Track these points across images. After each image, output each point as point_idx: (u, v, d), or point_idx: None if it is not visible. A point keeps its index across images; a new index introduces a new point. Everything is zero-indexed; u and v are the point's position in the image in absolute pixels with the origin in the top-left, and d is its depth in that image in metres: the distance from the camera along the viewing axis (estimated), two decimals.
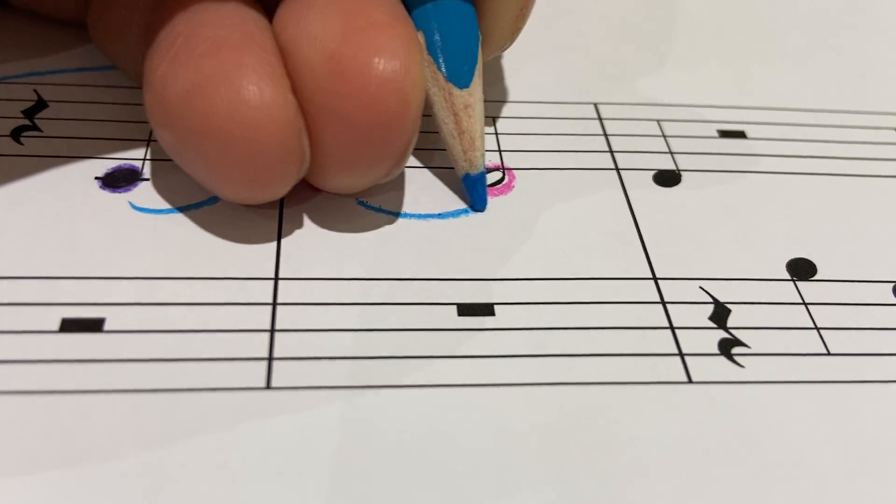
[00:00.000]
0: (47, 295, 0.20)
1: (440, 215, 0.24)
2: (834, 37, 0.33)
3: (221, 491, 0.18)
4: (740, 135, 0.28)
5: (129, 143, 0.25)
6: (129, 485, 0.17)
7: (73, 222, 0.22)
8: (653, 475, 0.19)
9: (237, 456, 0.18)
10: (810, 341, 0.22)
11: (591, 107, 0.28)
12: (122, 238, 0.22)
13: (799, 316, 0.22)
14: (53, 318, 0.20)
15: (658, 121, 0.28)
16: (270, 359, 0.20)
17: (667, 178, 0.26)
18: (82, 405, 0.19)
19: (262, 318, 0.21)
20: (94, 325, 0.20)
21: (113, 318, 0.20)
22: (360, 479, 0.18)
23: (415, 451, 0.19)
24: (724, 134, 0.28)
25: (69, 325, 0.20)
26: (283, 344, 0.20)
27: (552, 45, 0.31)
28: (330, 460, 0.18)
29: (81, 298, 0.20)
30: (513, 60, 0.30)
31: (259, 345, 0.20)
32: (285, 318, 0.21)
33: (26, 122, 0.25)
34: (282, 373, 0.20)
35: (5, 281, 0.21)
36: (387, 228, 0.23)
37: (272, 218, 0.23)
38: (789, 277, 0.23)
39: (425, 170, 0.25)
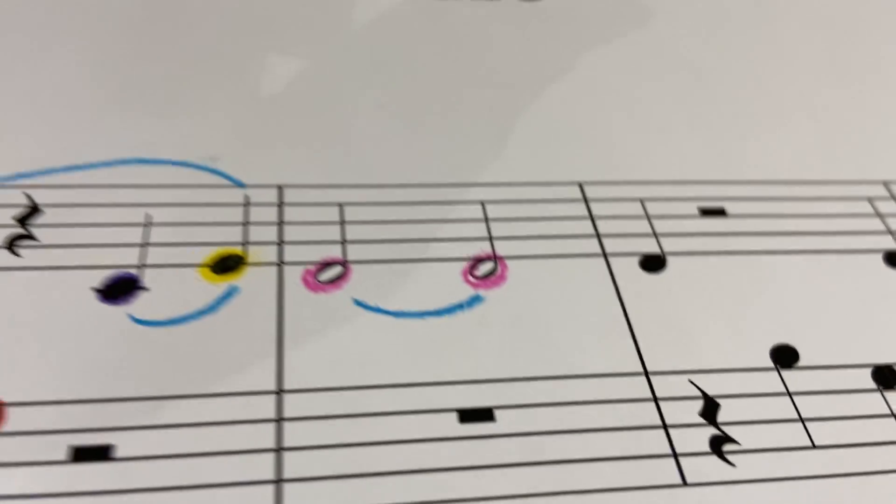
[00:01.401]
0: (58, 420, 0.21)
1: (437, 312, 0.25)
2: (811, 103, 0.34)
3: None
4: (720, 213, 0.29)
5: (125, 248, 0.25)
6: None
7: (75, 341, 0.22)
8: None
9: None
10: (796, 434, 0.23)
11: (576, 187, 0.29)
12: (125, 355, 0.22)
13: (784, 407, 0.23)
14: (62, 445, 0.20)
15: (641, 200, 0.29)
16: (279, 481, 0.20)
17: (652, 263, 0.27)
18: None
19: (266, 436, 0.21)
20: (102, 453, 0.20)
21: (122, 444, 0.20)
22: None
23: None
24: (705, 213, 0.29)
25: (80, 454, 0.20)
26: (292, 463, 0.21)
27: (535, 125, 0.31)
28: None
29: (90, 423, 0.21)
30: (497, 142, 0.30)
31: (265, 467, 0.20)
32: (292, 434, 0.21)
33: (21, 230, 0.25)
34: (293, 495, 0.20)
35: (17, 408, 0.21)
36: (385, 329, 0.24)
37: (272, 324, 0.24)
38: (773, 366, 0.24)
39: (421, 263, 0.26)
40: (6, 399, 0.21)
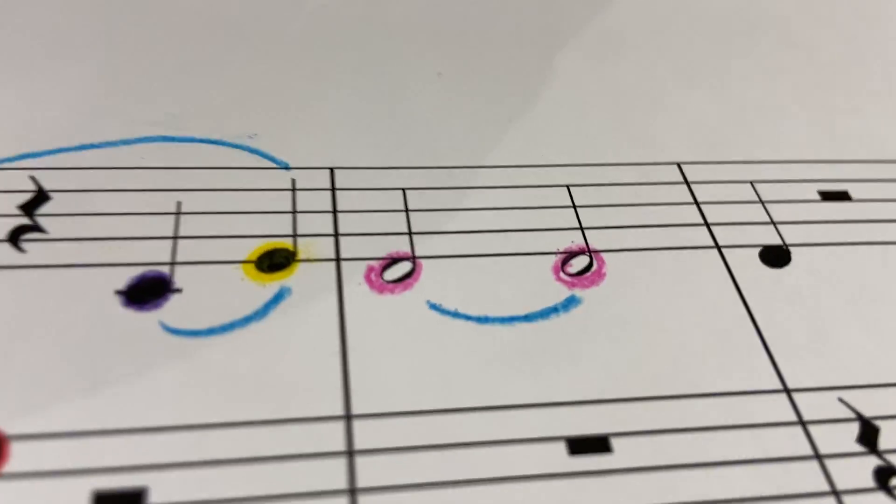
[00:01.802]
0: (76, 458, 0.16)
1: (527, 317, 0.21)
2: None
3: None
4: (844, 196, 0.25)
5: (154, 242, 0.21)
6: None
7: (96, 358, 0.18)
8: None
9: None
10: None
11: (675, 168, 0.25)
12: (157, 373, 0.18)
13: None
14: (83, 490, 0.16)
15: (751, 182, 0.25)
16: None
17: (774, 257, 0.23)
18: None
19: (336, 473, 0.17)
20: (133, 500, 0.16)
21: (156, 486, 0.16)
22: None
23: None
24: (826, 196, 0.25)
25: (104, 501, 0.16)
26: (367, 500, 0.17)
27: (622, 98, 0.27)
28: None
29: (116, 462, 0.17)
30: (578, 117, 0.26)
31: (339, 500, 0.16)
32: (365, 471, 0.17)
33: (26, 220, 0.21)
34: None
35: (23, 442, 0.17)
36: (468, 338, 0.20)
37: (332, 332, 0.19)
38: None
39: (505, 257, 0.22)
40: (8, 431, 0.17)
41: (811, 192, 0.25)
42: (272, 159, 0.23)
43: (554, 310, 0.21)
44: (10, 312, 0.19)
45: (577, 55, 0.28)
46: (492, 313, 0.20)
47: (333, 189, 0.23)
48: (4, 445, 0.17)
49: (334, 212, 0.22)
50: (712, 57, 0.29)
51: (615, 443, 0.18)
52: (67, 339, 0.18)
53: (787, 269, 0.23)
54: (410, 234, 0.22)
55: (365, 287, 0.21)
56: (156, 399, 0.18)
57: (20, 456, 0.16)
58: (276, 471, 0.17)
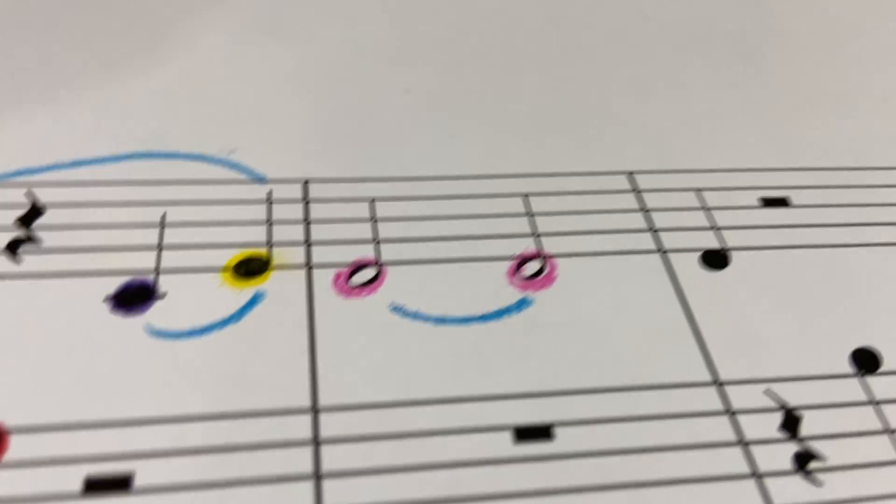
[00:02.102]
0: (69, 448, 0.18)
1: (482, 318, 0.22)
2: (871, 85, 0.32)
3: None
4: (783, 202, 0.27)
5: (139, 252, 0.22)
6: None
7: (87, 358, 0.20)
8: None
9: None
10: (884, 447, 0.21)
11: (625, 177, 0.27)
12: (144, 372, 0.20)
13: (869, 417, 0.21)
14: (76, 476, 0.18)
15: (697, 190, 0.27)
16: None
17: (714, 260, 0.25)
18: None
19: (303, 460, 0.19)
20: (122, 483, 0.18)
21: (142, 473, 0.18)
22: None
23: None
24: (767, 202, 0.27)
25: (94, 485, 0.18)
26: (332, 490, 0.18)
27: (578, 110, 0.29)
28: None
29: (105, 450, 0.18)
30: (538, 128, 0.28)
31: (304, 495, 0.18)
32: (329, 457, 0.19)
33: (22, 232, 0.22)
34: None
35: (21, 434, 0.18)
36: (427, 337, 0.22)
37: (302, 333, 0.21)
38: (855, 372, 0.22)
39: (463, 264, 0.24)
40: (8, 423, 0.19)
41: (753, 198, 0.27)
42: (250, 172, 0.25)
43: (507, 311, 0.23)
44: (9, 317, 0.21)
45: (535, 69, 0.30)
46: (450, 314, 0.22)
47: (306, 200, 0.25)
48: (4, 437, 0.18)
49: (306, 222, 0.24)
50: (664, 68, 0.31)
51: (558, 431, 0.20)
52: (61, 341, 0.20)
53: (725, 271, 0.24)
54: (376, 241, 0.24)
55: (333, 292, 0.22)
56: (141, 394, 0.20)
57: (18, 446, 0.18)
58: (249, 458, 0.19)
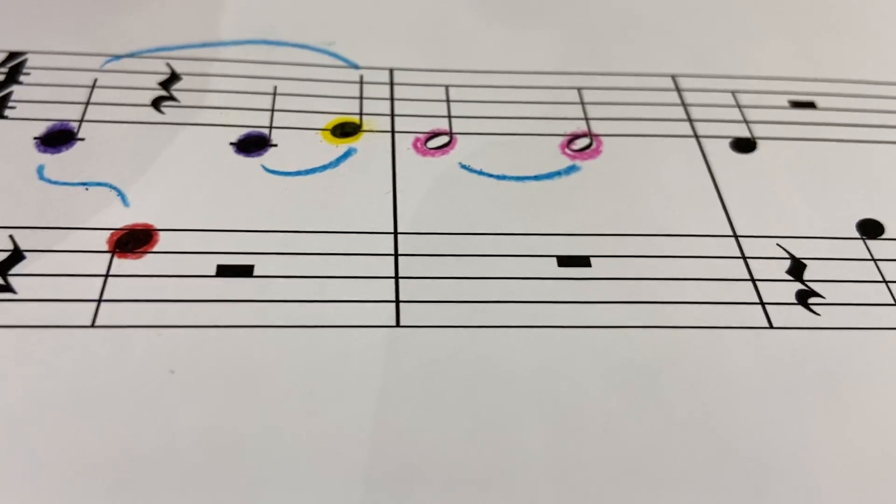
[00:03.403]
0: (204, 245, 0.23)
1: (536, 177, 0.27)
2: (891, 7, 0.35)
3: (363, 410, 0.20)
4: (810, 105, 0.30)
5: (257, 112, 0.27)
6: (284, 406, 0.20)
7: (217, 183, 0.25)
8: (740, 410, 0.21)
9: (373, 384, 0.21)
10: (879, 293, 0.24)
11: (669, 79, 0.30)
12: (260, 196, 0.25)
13: (869, 270, 0.24)
14: (210, 264, 0.23)
15: (733, 92, 0.30)
16: (397, 301, 0.23)
17: (743, 145, 0.28)
18: (239, 338, 0.21)
19: (386, 266, 0.23)
20: (246, 271, 0.23)
21: (260, 265, 0.23)
22: (479, 400, 0.21)
23: (526, 383, 0.21)
24: (796, 104, 0.30)
25: (224, 271, 0.23)
26: (408, 288, 0.23)
27: (629, 20, 0.33)
28: (454, 390, 0.21)
29: (233, 248, 0.23)
30: (593, 35, 0.32)
31: (386, 290, 0.23)
32: (407, 266, 0.23)
33: (164, 92, 0.28)
34: (409, 313, 0.22)
35: (167, 233, 0.24)
36: (488, 189, 0.26)
37: (386, 180, 0.26)
38: (859, 236, 0.25)
39: (522, 136, 0.28)
40: (157, 226, 0.24)
41: (783, 101, 0.30)
42: (346, 60, 0.30)
43: (557, 173, 0.27)
44: (156, 154, 0.26)
45: None
46: (509, 174, 0.27)
47: (392, 83, 0.29)
48: (154, 234, 0.24)
49: (391, 99, 0.29)
50: None
51: (594, 261, 0.24)
52: (196, 171, 0.25)
53: (752, 154, 0.28)
54: (449, 117, 0.28)
55: (412, 151, 0.27)
56: (256, 213, 0.24)
57: (165, 241, 0.23)
58: (342, 261, 0.23)
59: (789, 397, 0.21)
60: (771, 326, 0.23)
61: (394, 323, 0.22)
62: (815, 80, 0.31)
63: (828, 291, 0.24)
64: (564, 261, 0.24)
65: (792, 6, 0.34)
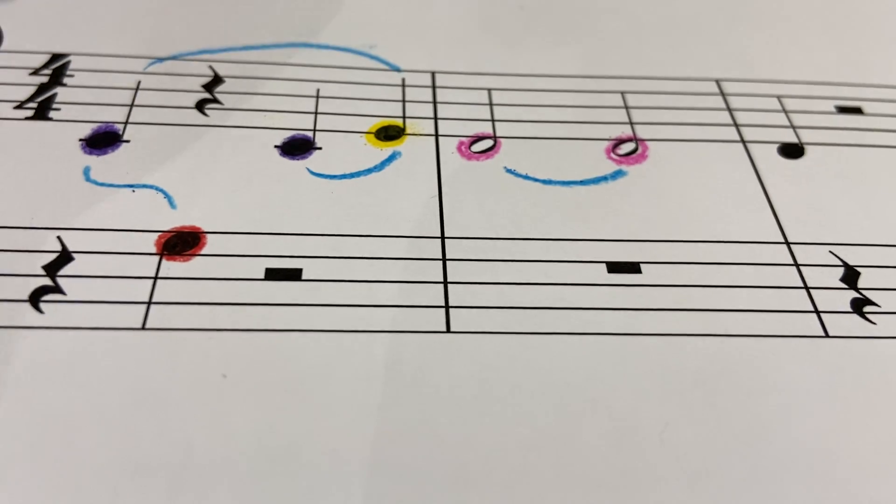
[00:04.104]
0: (252, 248, 0.23)
1: (582, 182, 0.26)
2: None
3: (415, 417, 0.20)
4: (857, 111, 0.29)
5: (300, 115, 0.27)
6: (335, 410, 0.20)
7: (263, 185, 0.25)
8: (796, 421, 0.21)
9: (425, 391, 0.21)
10: None
11: (714, 83, 0.30)
12: (306, 199, 0.25)
13: None
14: (259, 267, 0.23)
15: (778, 97, 0.30)
16: (447, 307, 0.22)
17: (791, 151, 0.28)
18: (290, 342, 0.21)
19: (434, 271, 0.23)
20: (294, 275, 0.23)
21: (308, 269, 0.23)
22: (533, 407, 0.20)
23: (579, 390, 0.21)
24: (842, 110, 0.29)
25: (272, 274, 0.23)
26: (457, 293, 0.23)
27: (672, 24, 0.33)
28: (507, 397, 0.21)
29: (281, 251, 0.23)
30: (635, 39, 0.32)
31: (435, 295, 0.23)
32: (455, 271, 0.23)
33: (207, 95, 0.28)
34: (459, 319, 0.22)
35: (215, 235, 0.23)
36: (534, 193, 0.26)
37: (432, 183, 0.26)
38: None
39: (567, 141, 0.27)
40: (205, 229, 0.24)
41: (830, 106, 0.30)
42: (388, 63, 0.30)
43: (604, 178, 0.26)
44: (201, 155, 0.26)
45: None
46: (555, 178, 0.26)
47: (434, 87, 0.29)
48: (202, 237, 0.23)
49: (434, 102, 0.28)
50: None
51: (644, 268, 0.24)
52: (240, 175, 0.25)
53: (800, 160, 0.28)
54: (493, 120, 0.28)
55: (457, 155, 0.27)
56: (303, 217, 0.24)
57: (213, 244, 0.23)
58: (389, 265, 0.23)
59: (846, 407, 0.21)
60: (827, 335, 0.22)
61: (444, 328, 0.22)
62: (862, 85, 0.30)
63: (883, 300, 0.23)
64: (614, 267, 0.24)
65: (836, 11, 0.34)
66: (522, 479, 0.19)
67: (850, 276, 0.24)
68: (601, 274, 0.24)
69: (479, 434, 0.20)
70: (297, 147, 0.26)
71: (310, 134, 0.27)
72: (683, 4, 0.33)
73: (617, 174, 0.27)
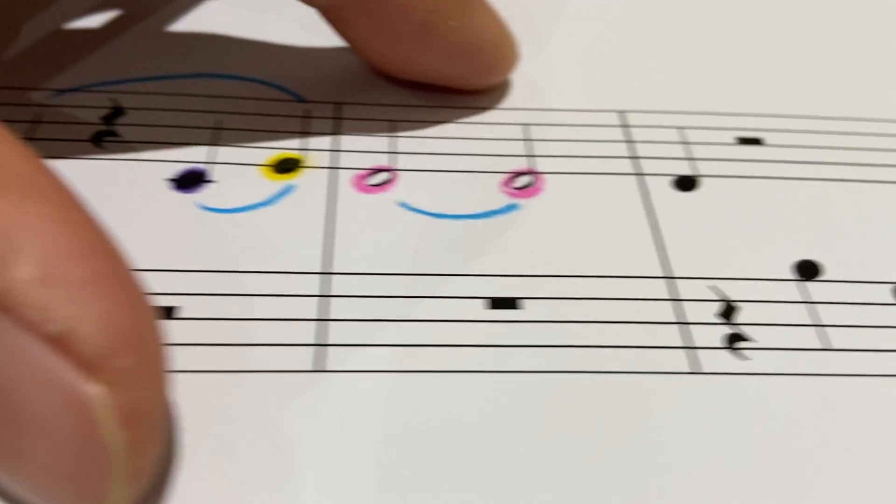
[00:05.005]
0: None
1: (473, 216, 0.27)
2: (844, 43, 0.34)
3: (274, 461, 0.20)
4: (757, 142, 0.30)
5: (197, 147, 0.27)
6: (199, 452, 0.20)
7: (149, 220, 0.25)
8: (665, 457, 0.21)
9: (291, 431, 0.21)
10: (814, 337, 0.24)
11: (616, 115, 0.30)
12: (190, 234, 0.25)
13: (803, 313, 0.24)
14: None
15: (679, 128, 0.30)
16: (322, 344, 0.22)
17: (686, 183, 0.28)
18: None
19: (310, 307, 0.23)
20: (169, 313, 0.23)
21: (187, 307, 0.23)
22: (404, 454, 0.21)
23: (451, 430, 0.21)
24: (743, 141, 0.30)
25: None
26: (336, 330, 0.23)
27: (577, 54, 0.33)
28: (376, 437, 0.21)
29: (159, 288, 0.23)
30: (540, 69, 0.32)
31: (308, 332, 0.23)
32: (337, 308, 0.23)
33: (105, 127, 0.28)
34: (335, 357, 0.22)
35: None
36: (424, 227, 0.26)
37: (321, 215, 0.26)
38: (796, 278, 0.25)
39: (464, 174, 0.28)
40: None
41: (730, 137, 0.30)
42: (292, 93, 0.30)
43: (495, 212, 0.27)
44: (101, 190, 0.26)
45: (537, 13, 0.34)
46: (447, 212, 0.27)
47: (337, 118, 0.29)
48: None
49: (335, 134, 0.29)
50: (659, 19, 0.35)
51: (526, 304, 0.24)
52: (128, 209, 0.25)
53: (693, 192, 0.28)
54: (393, 153, 0.28)
55: (352, 188, 0.27)
56: (184, 252, 0.24)
57: None
58: (268, 302, 0.23)
59: (715, 443, 0.21)
60: (697, 372, 0.23)
61: (317, 367, 0.22)
62: (763, 115, 0.31)
63: (759, 335, 0.24)
64: (496, 303, 0.24)
65: (741, 39, 0.34)
66: None
67: (728, 311, 0.24)
68: (481, 310, 0.24)
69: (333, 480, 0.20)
70: (189, 180, 0.26)
71: (204, 167, 0.27)
72: (588, 35, 0.34)
73: (509, 208, 0.27)
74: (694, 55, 0.33)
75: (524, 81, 0.32)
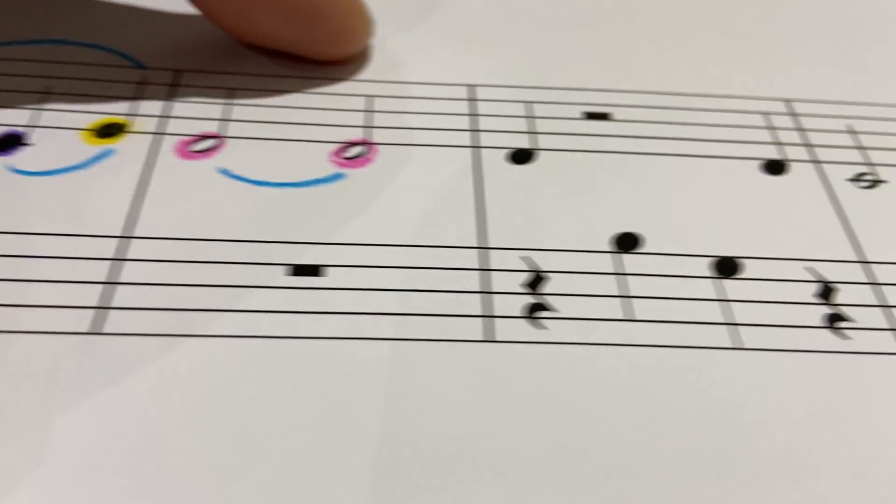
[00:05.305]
0: None
1: (296, 184, 0.26)
2: (694, 20, 0.34)
3: (35, 419, 0.20)
4: (604, 117, 0.29)
5: (21, 110, 0.27)
6: None
7: None
8: (443, 419, 0.21)
9: (60, 398, 0.20)
10: (619, 308, 0.23)
11: (465, 88, 0.30)
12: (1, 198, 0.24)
13: (612, 285, 0.24)
14: None
15: (527, 102, 0.30)
16: (106, 308, 0.22)
17: (521, 157, 0.28)
18: None
19: (101, 271, 0.23)
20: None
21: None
22: (172, 415, 0.20)
23: (227, 397, 0.21)
24: (590, 116, 0.29)
25: None
26: (123, 296, 0.22)
27: (437, 30, 0.32)
28: (144, 400, 0.20)
29: None
30: (402, 43, 0.31)
31: (92, 295, 0.22)
32: (127, 272, 0.23)
33: None
34: (117, 321, 0.22)
35: None
36: (243, 194, 0.25)
37: (135, 180, 0.25)
38: (613, 250, 0.25)
39: (296, 143, 0.27)
40: None
41: (577, 112, 0.30)
42: (132, 59, 0.29)
43: (319, 181, 0.26)
44: None
45: None
46: (270, 180, 0.26)
47: (174, 84, 0.29)
48: None
49: (168, 101, 0.28)
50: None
51: (330, 270, 0.24)
52: None
53: (526, 165, 0.27)
54: (223, 120, 0.28)
55: (173, 154, 0.26)
56: None
57: None
58: (53, 264, 0.23)
59: (505, 409, 0.21)
60: (492, 340, 0.22)
61: (95, 330, 0.22)
62: (616, 91, 0.30)
63: (564, 306, 0.23)
64: (298, 269, 0.24)
65: (596, 15, 0.34)
66: None
67: (535, 282, 0.24)
68: (281, 277, 0.23)
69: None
70: (5, 143, 0.26)
71: (24, 130, 0.26)
72: (449, 12, 0.33)
73: (335, 177, 0.26)
74: (551, 33, 0.33)
75: (385, 56, 0.31)
